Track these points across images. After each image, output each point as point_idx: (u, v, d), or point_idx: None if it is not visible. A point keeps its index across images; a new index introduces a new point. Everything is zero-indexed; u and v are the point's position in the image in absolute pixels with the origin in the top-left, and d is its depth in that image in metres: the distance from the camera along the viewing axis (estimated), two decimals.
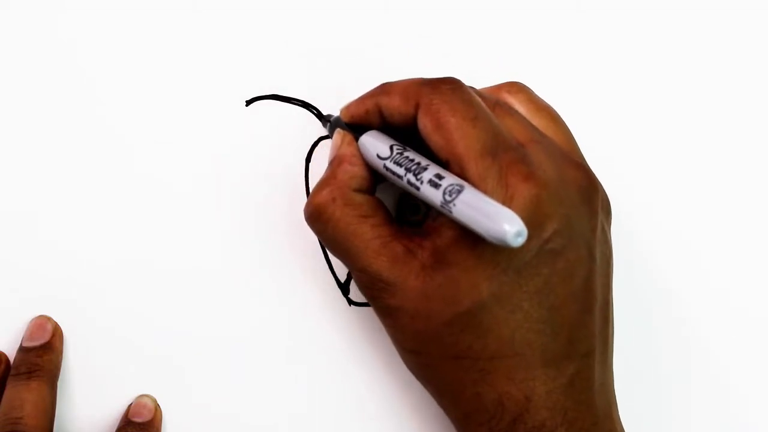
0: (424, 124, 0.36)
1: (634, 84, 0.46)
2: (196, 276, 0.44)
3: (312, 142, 0.44)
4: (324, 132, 0.44)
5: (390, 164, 0.37)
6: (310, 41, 0.45)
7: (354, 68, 0.45)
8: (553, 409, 0.36)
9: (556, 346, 0.36)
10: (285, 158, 0.44)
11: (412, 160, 0.36)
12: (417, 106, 0.37)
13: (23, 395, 0.41)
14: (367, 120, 0.39)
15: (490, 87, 0.40)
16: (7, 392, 0.41)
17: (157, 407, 0.43)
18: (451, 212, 0.34)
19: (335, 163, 0.39)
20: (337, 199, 0.38)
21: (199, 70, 0.44)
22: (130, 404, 0.43)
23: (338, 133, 0.40)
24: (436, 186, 0.35)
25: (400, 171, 0.37)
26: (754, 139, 0.46)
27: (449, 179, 0.35)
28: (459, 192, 0.34)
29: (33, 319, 0.43)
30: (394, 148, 0.37)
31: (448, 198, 0.34)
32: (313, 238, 0.44)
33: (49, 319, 0.43)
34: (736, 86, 0.46)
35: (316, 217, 0.38)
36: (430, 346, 0.37)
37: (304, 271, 0.44)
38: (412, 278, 0.36)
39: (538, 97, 0.40)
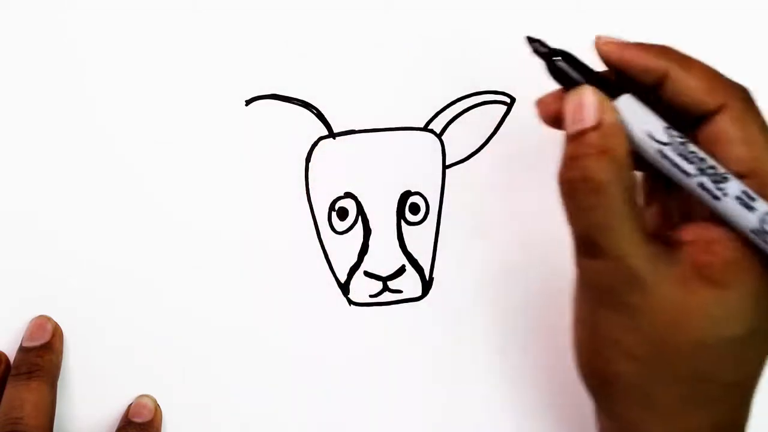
0: (729, 129, 0.34)
1: None
2: (196, 276, 0.44)
3: (312, 142, 0.44)
4: (321, 131, 0.44)
5: (670, 152, 0.34)
6: (310, 41, 0.45)
7: (354, 68, 0.45)
8: None
9: None
10: (285, 158, 0.44)
11: (703, 160, 0.34)
12: (722, 105, 0.34)
13: (23, 395, 0.41)
14: (627, 74, 0.35)
15: None
16: (7, 392, 0.41)
17: (157, 407, 0.43)
18: (766, 241, 0.32)
19: (607, 130, 0.34)
20: (619, 177, 0.34)
21: (198, 70, 0.44)
22: (130, 404, 0.43)
23: (592, 92, 0.35)
24: (749, 208, 0.33)
25: (688, 167, 0.34)
26: None
27: (763, 204, 0.33)
28: None
29: (33, 319, 0.43)
30: (670, 132, 0.34)
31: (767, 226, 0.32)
32: (313, 238, 0.44)
33: (49, 319, 0.43)
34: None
35: (590, 191, 0.34)
36: (666, 360, 0.34)
37: (304, 271, 0.44)
38: (668, 285, 0.34)
39: None
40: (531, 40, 0.37)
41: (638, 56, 0.35)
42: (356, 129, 0.44)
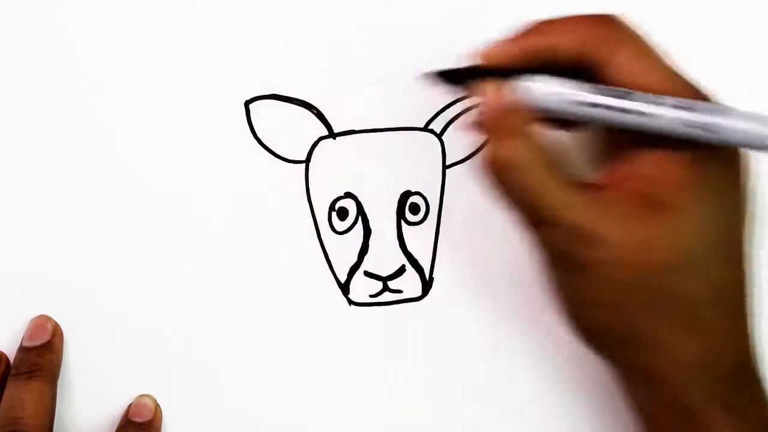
0: (623, 61, 0.35)
1: None
2: (196, 276, 0.44)
3: (312, 142, 0.44)
4: (321, 131, 0.44)
5: (602, 99, 0.35)
6: (310, 41, 0.45)
7: (354, 68, 0.44)
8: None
9: None
10: (285, 158, 0.44)
11: (630, 92, 0.35)
12: (600, 43, 0.36)
13: (23, 395, 0.41)
14: (514, 64, 0.37)
15: None
16: (8, 392, 0.41)
17: (157, 407, 0.43)
18: (718, 132, 0.33)
19: (506, 111, 0.36)
20: (527, 147, 0.36)
21: (199, 70, 0.44)
22: (130, 404, 0.43)
23: (490, 83, 0.37)
24: (690, 109, 0.34)
25: (625, 104, 0.35)
26: None
27: (701, 103, 0.34)
28: (729, 111, 0.33)
29: (33, 319, 0.43)
30: (586, 85, 0.36)
31: (708, 120, 0.33)
32: (313, 238, 0.44)
33: (49, 318, 0.43)
34: (738, 84, 0.46)
35: (503, 170, 0.36)
36: (637, 295, 0.35)
37: (304, 271, 0.44)
38: (614, 227, 0.35)
39: None
40: (428, 76, 0.39)
41: (506, 49, 0.37)
42: (356, 129, 0.44)
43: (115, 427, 0.43)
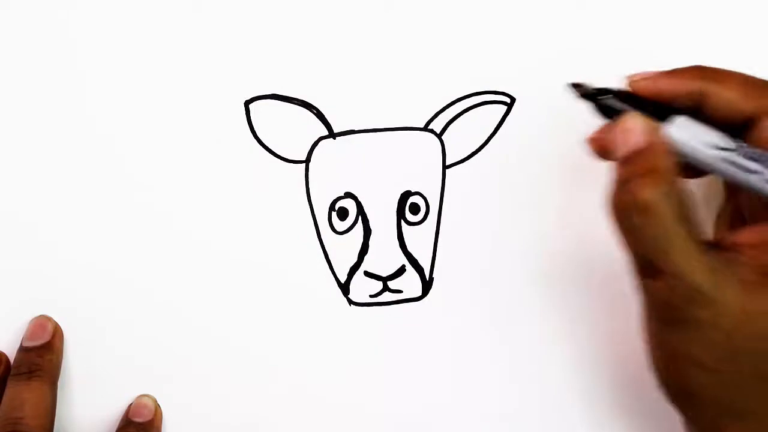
0: None
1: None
2: (196, 276, 0.44)
3: (312, 142, 0.44)
4: (321, 131, 0.44)
5: (737, 158, 0.35)
6: (310, 41, 0.45)
7: (354, 68, 0.44)
8: None
9: None
10: (285, 158, 0.44)
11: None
12: (761, 109, 0.35)
13: (24, 395, 0.41)
14: (673, 102, 0.36)
15: None
16: (8, 392, 0.41)
17: (157, 407, 0.43)
18: None
19: (651, 151, 0.35)
20: (668, 195, 0.35)
21: (199, 70, 0.44)
22: (130, 404, 0.43)
23: (638, 117, 0.36)
24: None
25: (756, 166, 0.35)
26: None
27: None
28: None
29: (33, 319, 0.43)
30: (731, 140, 0.35)
31: None
32: (313, 238, 0.44)
33: (49, 319, 0.43)
34: None
35: (642, 211, 0.35)
36: (742, 365, 0.35)
37: (304, 271, 0.44)
38: (732, 292, 0.34)
39: None
40: (575, 86, 0.38)
41: (672, 84, 0.37)
42: (356, 129, 0.44)
43: (115, 427, 0.43)
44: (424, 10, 0.45)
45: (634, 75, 0.37)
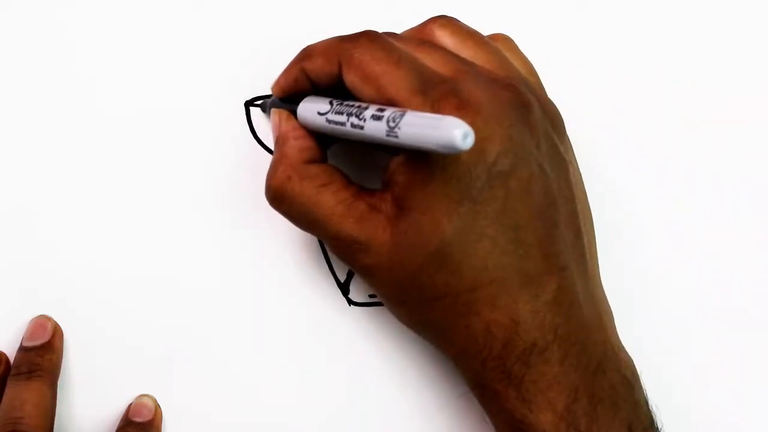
0: (352, 79, 0.37)
1: (638, 81, 0.46)
2: (196, 276, 0.44)
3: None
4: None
5: (332, 116, 0.37)
6: (310, 41, 0.45)
7: None
8: (543, 328, 0.36)
9: (530, 265, 0.36)
10: None
11: (352, 105, 0.37)
12: (340, 64, 0.37)
13: (24, 395, 0.41)
14: (297, 89, 0.40)
15: (415, 27, 0.41)
16: (8, 392, 0.41)
17: (157, 407, 0.43)
18: (397, 137, 0.34)
19: (280, 141, 0.40)
20: (293, 176, 0.38)
21: (199, 70, 0.44)
22: (130, 404, 0.43)
23: (274, 112, 0.41)
24: (379, 118, 0.35)
25: (342, 118, 0.37)
26: (757, 137, 0.46)
27: (390, 110, 0.35)
28: (402, 116, 0.34)
29: (33, 319, 0.43)
30: (333, 102, 0.38)
31: (391, 124, 0.34)
32: (313, 238, 0.44)
33: (49, 318, 0.43)
34: (739, 84, 0.46)
35: (277, 199, 0.39)
36: (413, 293, 0.37)
37: (304, 271, 0.44)
38: (380, 232, 0.37)
39: (465, 26, 0.40)
40: (250, 105, 0.44)
41: (285, 80, 0.41)
42: None
43: (115, 427, 0.43)
44: (424, 11, 0.45)
45: (276, 79, 0.41)
